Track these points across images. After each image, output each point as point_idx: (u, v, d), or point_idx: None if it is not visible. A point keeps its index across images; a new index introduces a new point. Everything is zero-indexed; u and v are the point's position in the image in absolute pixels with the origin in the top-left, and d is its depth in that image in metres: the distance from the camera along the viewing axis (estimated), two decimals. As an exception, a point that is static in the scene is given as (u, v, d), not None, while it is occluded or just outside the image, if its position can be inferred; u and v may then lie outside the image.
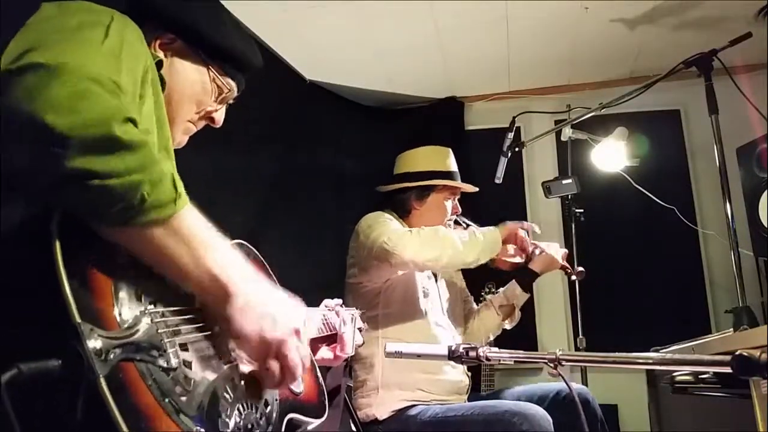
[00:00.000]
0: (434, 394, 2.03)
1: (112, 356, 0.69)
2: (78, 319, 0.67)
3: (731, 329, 1.67)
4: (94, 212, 0.74)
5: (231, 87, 1.17)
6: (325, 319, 1.40)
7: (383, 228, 1.99)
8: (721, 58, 1.82)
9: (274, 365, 0.89)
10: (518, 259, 2.17)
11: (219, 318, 0.88)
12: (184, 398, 0.78)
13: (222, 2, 2.57)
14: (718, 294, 3.28)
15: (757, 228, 2.28)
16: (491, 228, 2.05)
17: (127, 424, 0.66)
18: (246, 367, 0.93)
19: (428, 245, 1.91)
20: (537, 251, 2.22)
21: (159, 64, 1.01)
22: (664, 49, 3.08)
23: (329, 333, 1.40)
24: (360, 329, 1.55)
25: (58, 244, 0.70)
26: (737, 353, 0.78)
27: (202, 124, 1.18)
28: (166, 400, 0.74)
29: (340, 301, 1.50)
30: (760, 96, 2.13)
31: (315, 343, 1.40)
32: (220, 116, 1.19)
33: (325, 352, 1.43)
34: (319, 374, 1.23)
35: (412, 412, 1.95)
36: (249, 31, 2.81)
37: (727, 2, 2.73)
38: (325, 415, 1.15)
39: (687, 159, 3.47)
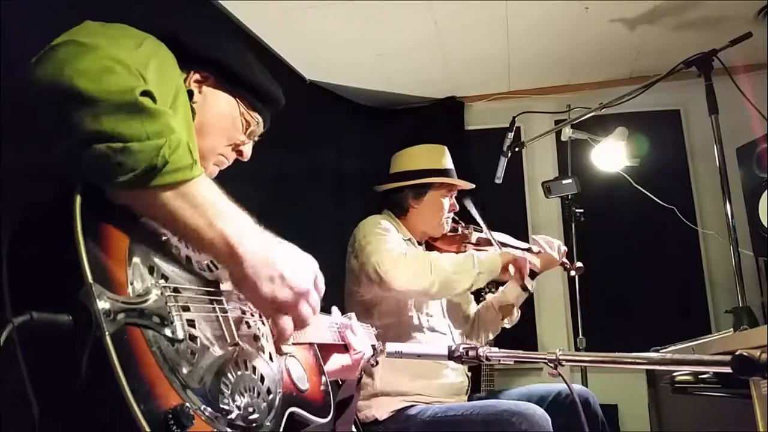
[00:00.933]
0: (434, 396, 2.03)
1: (119, 317, 0.73)
2: (90, 279, 0.71)
3: (731, 329, 1.67)
4: (115, 174, 0.77)
5: (259, 121, 1.27)
6: (340, 328, 1.42)
7: (378, 245, 1.99)
8: (721, 58, 1.82)
9: (287, 321, 0.96)
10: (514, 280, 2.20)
11: (232, 281, 0.93)
12: (186, 370, 0.80)
13: (223, 2, 2.59)
14: (718, 294, 3.28)
15: (757, 228, 2.29)
16: (493, 254, 2.06)
17: (129, 383, 0.69)
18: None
19: (420, 275, 1.93)
20: (535, 249, 2.21)
21: (189, 94, 1.09)
22: (664, 49, 3.08)
23: (342, 342, 1.42)
24: (374, 347, 1.54)
25: (78, 209, 0.74)
26: (737, 353, 0.78)
27: (233, 157, 1.26)
28: (169, 368, 0.77)
29: (352, 314, 1.52)
30: (760, 96, 2.13)
31: (328, 351, 1.42)
32: (248, 150, 1.28)
33: (340, 358, 1.44)
34: (326, 376, 1.23)
35: (412, 411, 1.95)
36: (251, 33, 2.82)
37: (727, 2, 2.73)
38: (329, 417, 1.14)
39: (687, 159, 3.47)
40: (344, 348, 1.44)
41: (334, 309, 1.53)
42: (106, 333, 0.70)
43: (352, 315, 1.52)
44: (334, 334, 1.40)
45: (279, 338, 0.99)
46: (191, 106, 1.06)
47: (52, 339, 0.70)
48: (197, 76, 1.16)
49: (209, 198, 0.85)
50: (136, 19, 1.02)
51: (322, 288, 1.02)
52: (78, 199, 0.75)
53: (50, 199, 0.79)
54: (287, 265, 0.94)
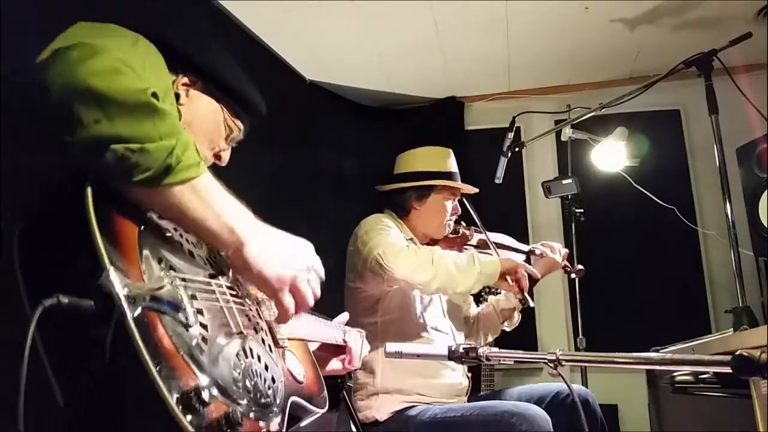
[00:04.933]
0: (434, 397, 2.03)
1: (139, 303, 0.76)
2: (109, 265, 0.74)
3: (731, 329, 1.67)
4: (132, 174, 0.80)
5: (240, 128, 1.29)
6: (342, 330, 1.46)
7: (380, 238, 1.98)
8: (721, 58, 1.82)
9: (289, 298, 1.00)
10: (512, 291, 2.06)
11: (235, 268, 0.98)
12: (200, 355, 0.82)
13: (223, 2, 2.59)
14: (718, 294, 3.28)
15: (757, 228, 2.29)
16: (493, 260, 2.02)
17: (153, 363, 0.72)
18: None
19: (422, 268, 1.91)
20: (537, 251, 2.21)
21: (176, 97, 1.11)
22: (664, 49, 3.08)
23: (341, 344, 1.48)
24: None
25: (90, 200, 0.77)
26: (737, 353, 0.78)
27: (211, 161, 1.28)
28: (185, 352, 0.80)
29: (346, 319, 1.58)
30: (760, 96, 2.13)
31: (326, 353, 1.47)
32: (226, 156, 1.31)
33: (334, 364, 1.52)
34: (319, 371, 1.27)
35: (412, 412, 1.95)
36: (251, 33, 2.82)
37: (727, 2, 2.73)
38: (325, 408, 1.17)
39: (687, 159, 3.47)
40: (339, 349, 1.50)
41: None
42: (129, 316, 0.72)
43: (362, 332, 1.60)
44: (337, 332, 1.45)
45: (281, 317, 1.03)
46: (178, 108, 1.08)
47: (76, 322, 0.72)
48: (185, 80, 1.18)
49: (214, 192, 0.89)
50: (126, 17, 1.02)
51: (322, 270, 1.08)
52: (89, 190, 0.77)
53: (60, 195, 0.81)
54: (287, 246, 1.00)
